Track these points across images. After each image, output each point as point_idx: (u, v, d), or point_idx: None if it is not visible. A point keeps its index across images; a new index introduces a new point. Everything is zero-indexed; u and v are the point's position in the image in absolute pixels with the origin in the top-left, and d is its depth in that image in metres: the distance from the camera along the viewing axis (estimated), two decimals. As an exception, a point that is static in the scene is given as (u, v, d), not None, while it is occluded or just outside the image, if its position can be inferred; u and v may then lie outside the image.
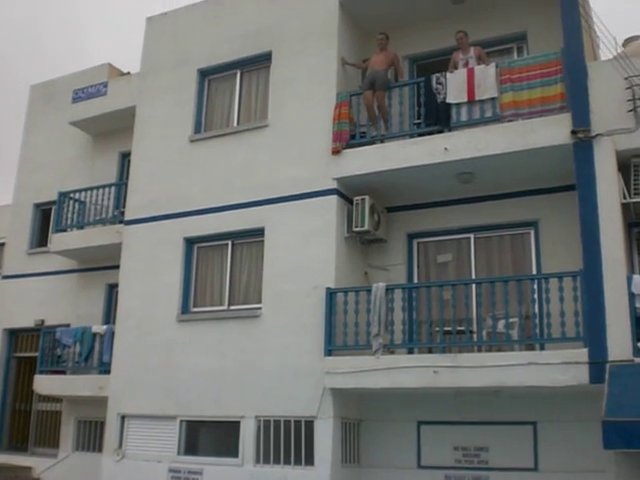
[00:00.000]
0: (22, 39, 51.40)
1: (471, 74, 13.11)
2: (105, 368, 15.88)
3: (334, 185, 13.78)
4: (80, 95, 19.72)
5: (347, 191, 13.89)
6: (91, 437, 17.20)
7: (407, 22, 14.99)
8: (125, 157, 19.02)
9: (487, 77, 12.94)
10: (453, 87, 13.19)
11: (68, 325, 17.67)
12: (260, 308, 13.97)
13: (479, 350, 12.45)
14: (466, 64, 13.53)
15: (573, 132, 11.82)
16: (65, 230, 18.57)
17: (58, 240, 18.43)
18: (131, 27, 52.89)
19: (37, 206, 20.70)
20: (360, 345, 12.67)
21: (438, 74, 13.45)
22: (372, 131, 13.91)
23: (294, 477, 12.82)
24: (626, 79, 11.55)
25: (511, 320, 11.87)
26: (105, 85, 19.43)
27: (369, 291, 12.81)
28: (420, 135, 13.51)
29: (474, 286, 12.66)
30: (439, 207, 14.04)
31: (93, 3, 55.43)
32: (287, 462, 12.98)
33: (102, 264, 18.06)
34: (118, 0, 56.00)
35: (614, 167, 11.61)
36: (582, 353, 10.99)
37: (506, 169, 12.85)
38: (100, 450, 15.65)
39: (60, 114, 20.17)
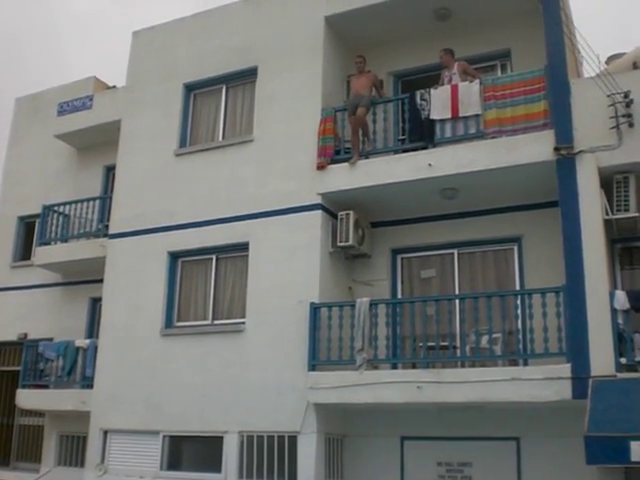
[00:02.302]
0: (4, 52, 51.23)
1: (455, 91, 13.19)
2: (88, 382, 15.78)
3: (319, 200, 13.80)
4: (65, 108, 19.68)
5: (332, 206, 13.92)
6: (73, 452, 17.05)
7: (392, 39, 15.07)
8: (110, 171, 18.95)
9: (471, 94, 13.02)
10: (437, 103, 13.26)
11: (51, 339, 17.55)
12: (244, 323, 13.95)
13: (462, 365, 12.47)
14: (450, 80, 13.60)
15: (556, 149, 11.90)
16: (49, 243, 18.48)
17: (42, 253, 18.34)
18: (113, 42, 53.12)
19: (21, 219, 20.56)
20: (344, 360, 12.66)
21: (422, 90, 13.52)
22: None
23: (277, 493, 12.79)
24: (609, 96, 11.64)
25: (494, 335, 11.90)
26: (91, 98, 19.38)
27: (353, 306, 12.82)
28: (404, 151, 13.58)
29: (457, 302, 12.70)
30: (423, 223, 14.08)
31: (74, 18, 55.38)
32: (270, 477, 12.93)
33: (86, 278, 17.95)
34: (100, 15, 55.98)
35: (596, 184, 11.69)
36: (565, 368, 11.02)
37: (490, 185, 12.93)
38: (82, 465, 15.51)
39: (45, 127, 20.12)
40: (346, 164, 13.66)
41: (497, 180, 12.70)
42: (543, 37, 12.67)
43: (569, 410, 11.12)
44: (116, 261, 15.92)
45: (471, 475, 12.49)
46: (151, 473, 14.12)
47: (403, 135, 13.91)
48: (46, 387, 16.94)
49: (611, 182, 11.85)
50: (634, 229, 12.28)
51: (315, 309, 13.03)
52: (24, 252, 20.26)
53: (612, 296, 11.14)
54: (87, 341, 16.37)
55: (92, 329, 17.77)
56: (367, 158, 13.69)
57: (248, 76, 15.58)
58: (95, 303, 17.91)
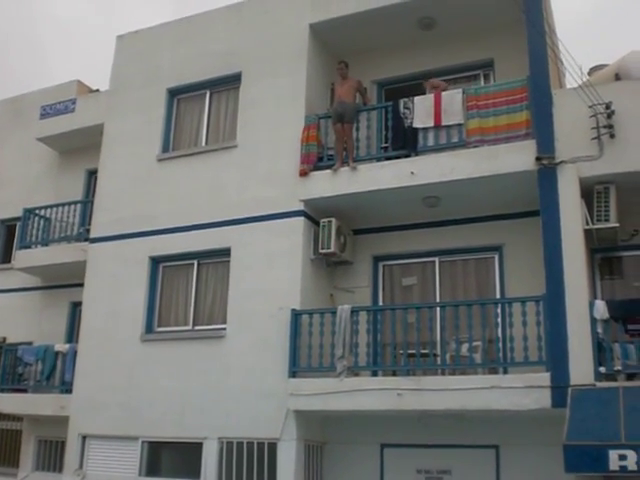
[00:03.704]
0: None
1: (438, 99, 13.24)
2: (67, 387, 15.70)
3: (301, 207, 13.81)
4: (48, 111, 19.60)
5: (314, 213, 13.93)
6: (52, 457, 16.95)
7: (376, 47, 15.13)
8: (91, 174, 18.89)
9: (454, 103, 13.09)
10: (420, 112, 13.32)
11: (30, 343, 17.46)
12: (225, 329, 13.92)
13: (443, 373, 12.49)
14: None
15: (538, 159, 11.98)
16: (29, 247, 18.40)
17: (22, 257, 18.25)
18: (95, 48, 52.90)
19: (2, 222, 20.54)
20: (324, 367, 12.67)
21: (406, 99, 13.57)
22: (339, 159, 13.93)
23: (256, 499, 12.76)
24: (591, 107, 11.71)
25: (475, 344, 11.94)
26: (73, 102, 19.33)
27: (334, 313, 12.82)
28: (387, 159, 13.61)
29: (438, 309, 12.68)
30: (405, 230, 14.11)
31: (57, 23, 55.22)
32: (249, 484, 12.91)
33: (66, 282, 17.88)
34: (82, 21, 55.79)
35: (577, 194, 11.77)
36: (544, 377, 11.07)
37: (471, 194, 12.99)
38: (61, 470, 15.41)
39: (27, 130, 20.07)
40: (329, 171, 13.68)
41: (479, 189, 12.76)
42: (526, 47, 12.75)
43: (548, 418, 11.15)
44: (97, 265, 15.85)
45: (450, 483, 12.52)
46: (130, 479, 14.04)
47: (386, 143, 13.92)
48: (25, 391, 16.82)
49: (592, 192, 11.93)
50: (614, 239, 12.36)
51: (296, 316, 13.03)
52: (4, 255, 20.21)
53: (592, 305, 11.19)
54: (67, 346, 16.30)
55: (72, 333, 17.73)
56: (348, 166, 13.65)
57: (232, 82, 15.58)
58: (75, 307, 17.84)
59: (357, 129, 13.91)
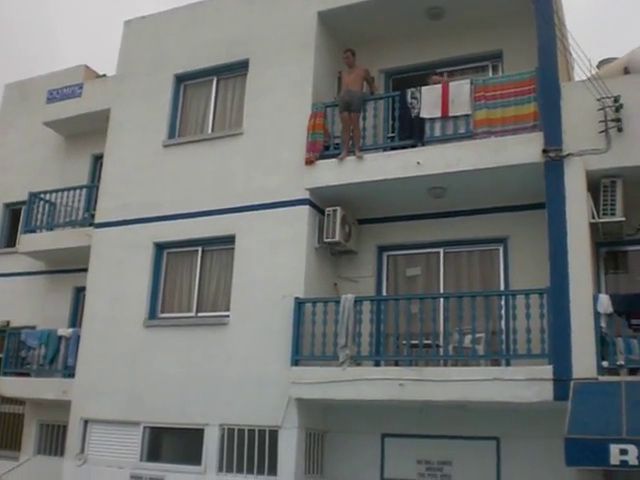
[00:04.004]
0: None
1: (445, 90, 13.20)
2: (70, 372, 15.72)
3: (306, 195, 13.78)
4: (55, 96, 19.60)
5: (319, 202, 13.91)
6: (53, 441, 17.03)
7: (384, 36, 15.07)
8: (97, 159, 18.88)
9: (461, 94, 13.04)
10: (427, 102, 13.28)
11: (34, 327, 17.49)
12: (228, 316, 13.93)
13: (445, 364, 12.49)
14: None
15: (544, 151, 11.94)
16: (34, 231, 18.43)
17: (27, 241, 18.27)
18: (103, 32, 52.81)
19: (7, 206, 20.53)
20: (327, 356, 12.66)
21: (413, 89, 13.53)
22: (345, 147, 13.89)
23: (257, 486, 12.80)
24: (599, 100, 11.67)
25: (478, 335, 11.94)
26: (80, 87, 19.33)
27: (338, 302, 12.81)
28: (393, 149, 13.60)
29: (442, 300, 12.67)
30: (410, 221, 14.08)
31: (64, 6, 55.15)
32: (250, 471, 12.91)
33: (70, 266, 17.90)
34: (89, 3, 55.69)
35: (584, 187, 11.73)
36: (547, 370, 11.07)
37: (477, 185, 12.96)
38: (62, 454, 15.46)
39: (34, 114, 20.04)
40: (335, 160, 13.64)
41: (485, 180, 12.72)
42: (535, 39, 12.69)
43: (550, 411, 11.14)
44: (101, 251, 15.86)
45: (450, 474, 12.52)
46: (131, 464, 14.08)
47: (393, 133, 13.93)
48: (28, 375, 16.87)
49: (598, 186, 11.90)
50: (620, 233, 12.33)
51: (299, 304, 13.02)
52: (9, 239, 20.22)
53: (596, 299, 11.18)
54: (70, 330, 16.32)
55: (75, 318, 17.74)
56: (354, 155, 13.61)
57: (239, 69, 15.54)
58: (79, 292, 17.87)
59: (364, 118, 13.87)
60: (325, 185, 13.69)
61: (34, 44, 52.26)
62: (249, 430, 13.13)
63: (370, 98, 14.19)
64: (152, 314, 14.91)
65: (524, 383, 11.14)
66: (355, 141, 13.67)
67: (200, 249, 14.93)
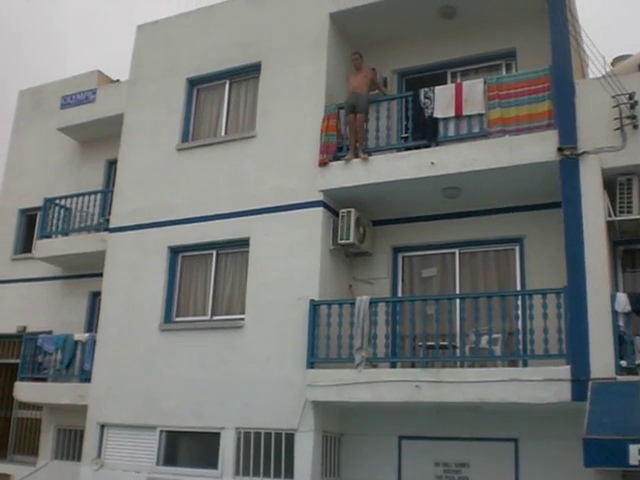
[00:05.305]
0: (6, 45, 51.14)
1: (459, 89, 13.14)
2: (86, 376, 15.77)
3: (320, 197, 13.75)
4: (69, 101, 19.70)
5: (333, 203, 13.87)
6: (70, 445, 17.08)
7: (396, 36, 15.02)
8: (112, 165, 18.96)
9: (475, 93, 12.97)
10: (441, 102, 13.21)
11: (50, 332, 17.57)
12: (243, 319, 13.90)
13: (461, 365, 12.41)
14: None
15: (560, 149, 11.84)
16: (50, 236, 18.51)
17: (42, 246, 18.36)
18: (112, 39, 52.97)
19: (22, 212, 20.61)
20: (343, 358, 12.61)
21: (426, 89, 13.46)
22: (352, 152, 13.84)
23: (273, 490, 12.76)
24: (614, 97, 11.59)
25: (494, 336, 11.86)
26: (94, 92, 19.42)
27: (353, 304, 12.76)
28: (407, 149, 13.55)
29: (458, 301, 12.61)
30: (425, 221, 14.02)
31: (77, 14, 55.37)
32: (267, 475, 12.89)
33: (86, 271, 17.99)
34: (102, 12, 55.89)
35: (600, 185, 11.63)
36: (565, 370, 10.97)
37: (492, 185, 12.87)
38: (79, 459, 15.47)
39: (48, 120, 20.17)
40: (349, 161, 13.60)
41: (500, 180, 12.64)
42: (549, 37, 12.61)
43: (568, 412, 11.05)
44: (116, 255, 15.88)
45: (468, 476, 12.44)
46: (147, 468, 14.08)
47: (406, 133, 13.90)
48: (44, 380, 16.95)
49: (614, 184, 11.81)
50: (637, 231, 12.24)
51: (315, 306, 12.98)
52: (25, 245, 20.31)
53: (613, 298, 11.08)
54: (86, 335, 16.37)
55: (91, 323, 17.80)
56: (369, 155, 13.55)
57: (251, 72, 15.54)
58: (95, 297, 17.92)
59: (377, 119, 13.82)
60: (339, 187, 13.64)
61: (43, 52, 52.55)
62: (265, 433, 13.10)
63: (383, 99, 14.15)
64: (167, 318, 14.91)
65: (542, 384, 11.05)
66: (359, 143, 13.63)
67: (215, 252, 14.92)
